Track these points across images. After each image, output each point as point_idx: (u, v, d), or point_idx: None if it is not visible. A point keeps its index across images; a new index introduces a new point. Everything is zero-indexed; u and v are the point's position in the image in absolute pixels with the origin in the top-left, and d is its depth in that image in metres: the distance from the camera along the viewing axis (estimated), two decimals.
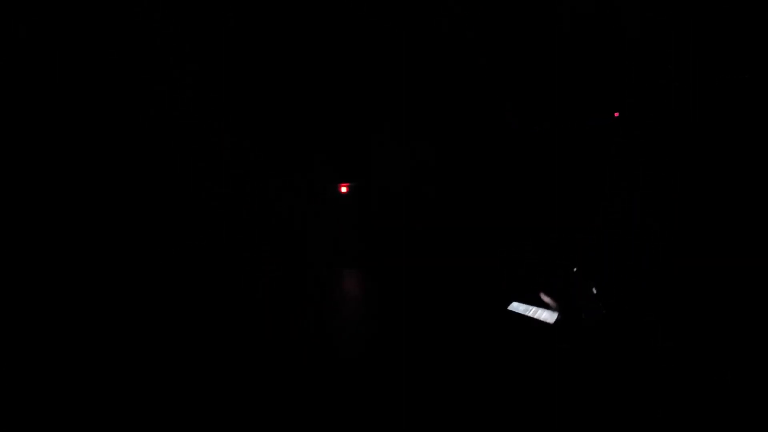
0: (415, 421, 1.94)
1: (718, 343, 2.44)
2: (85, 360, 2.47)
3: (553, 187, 3.13)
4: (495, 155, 3.24)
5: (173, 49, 3.07)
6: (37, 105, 2.94)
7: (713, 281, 2.77)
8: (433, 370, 2.29)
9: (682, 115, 3.08)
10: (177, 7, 3.05)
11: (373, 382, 2.24)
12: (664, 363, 2.35)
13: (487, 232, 3.06)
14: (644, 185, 3.04)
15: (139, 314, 2.70)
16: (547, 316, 1.96)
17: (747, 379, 2.23)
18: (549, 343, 2.48)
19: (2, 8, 2.80)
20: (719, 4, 3.01)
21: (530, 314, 1.95)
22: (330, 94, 3.27)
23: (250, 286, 2.90)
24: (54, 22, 2.91)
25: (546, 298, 1.97)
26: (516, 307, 1.92)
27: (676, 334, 2.51)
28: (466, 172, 3.27)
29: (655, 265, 2.80)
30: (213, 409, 2.17)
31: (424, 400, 2.11)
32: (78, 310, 2.67)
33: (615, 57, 3.20)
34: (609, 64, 3.21)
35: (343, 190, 3.31)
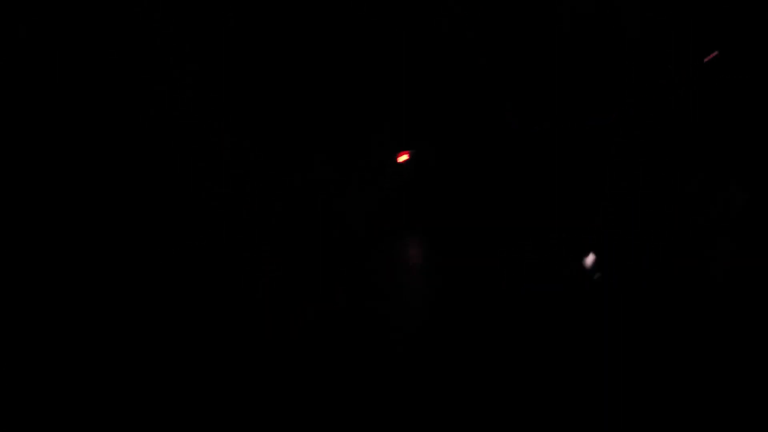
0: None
1: (718, 343, 2.44)
2: (84, 360, 2.47)
3: (553, 187, 3.14)
4: (495, 155, 3.24)
5: (173, 49, 3.07)
6: (37, 105, 2.94)
7: (713, 281, 2.77)
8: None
9: (682, 115, 3.08)
10: (177, 7, 3.05)
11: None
12: (664, 363, 2.34)
13: (486, 232, 3.06)
14: (644, 185, 3.04)
15: (139, 314, 2.70)
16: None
17: (747, 379, 2.23)
18: (553, 340, 2.48)
19: (2, 8, 2.80)
20: (719, 4, 3.01)
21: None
22: (330, 94, 3.27)
23: (250, 286, 2.90)
24: (54, 22, 2.91)
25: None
26: (590, 260, 1.95)
27: (676, 334, 2.51)
28: (466, 172, 3.27)
29: (655, 265, 2.80)
30: (214, 411, 2.17)
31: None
32: (77, 310, 2.68)
33: (615, 57, 3.20)
34: (609, 64, 3.21)
35: (403, 158, 3.17)
